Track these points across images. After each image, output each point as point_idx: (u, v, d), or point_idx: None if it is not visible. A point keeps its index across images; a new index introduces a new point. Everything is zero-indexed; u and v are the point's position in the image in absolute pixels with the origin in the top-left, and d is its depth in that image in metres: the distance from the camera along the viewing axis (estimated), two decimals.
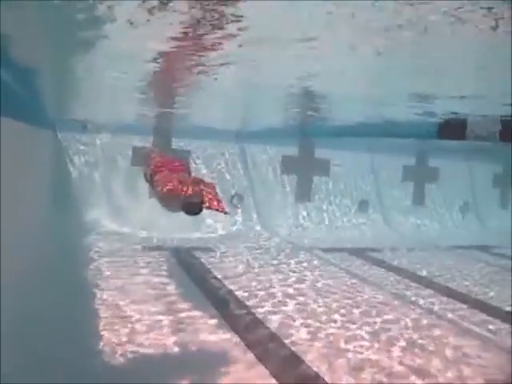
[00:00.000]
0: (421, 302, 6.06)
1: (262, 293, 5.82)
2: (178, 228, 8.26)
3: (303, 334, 4.71)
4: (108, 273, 6.15)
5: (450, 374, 4.09)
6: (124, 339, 4.26)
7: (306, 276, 6.73)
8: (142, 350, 4.10)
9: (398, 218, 10.68)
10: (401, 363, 4.19)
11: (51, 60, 4.54)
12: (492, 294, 6.76)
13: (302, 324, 4.93)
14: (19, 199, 5.84)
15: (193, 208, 4.05)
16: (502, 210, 12.63)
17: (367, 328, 4.93)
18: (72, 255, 6.91)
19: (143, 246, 7.70)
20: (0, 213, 4.52)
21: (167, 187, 4.14)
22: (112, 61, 4.29)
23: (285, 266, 7.19)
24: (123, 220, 8.75)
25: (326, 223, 9.88)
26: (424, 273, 7.53)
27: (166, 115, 8.48)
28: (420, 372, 4.06)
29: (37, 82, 5.58)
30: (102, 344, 4.15)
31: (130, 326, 4.54)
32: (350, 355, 4.26)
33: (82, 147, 8.97)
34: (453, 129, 6.24)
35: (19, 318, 4.21)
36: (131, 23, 2.96)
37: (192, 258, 7.38)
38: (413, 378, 3.96)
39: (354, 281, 6.73)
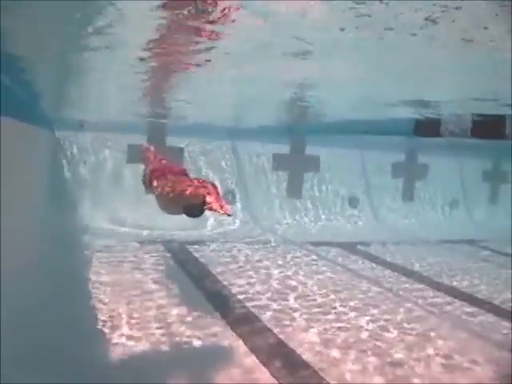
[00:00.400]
0: (393, 286, 6.53)
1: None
2: (172, 225, 8.49)
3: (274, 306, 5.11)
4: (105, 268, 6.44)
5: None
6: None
7: (290, 264, 7.15)
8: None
9: (388, 214, 10.96)
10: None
11: (50, 59, 4.61)
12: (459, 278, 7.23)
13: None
14: (18, 196, 5.89)
15: (194, 210, 3.94)
16: (491, 206, 12.93)
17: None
18: (69, 250, 7.14)
19: (139, 242, 7.97)
20: (0, 210, 4.58)
21: (167, 190, 4.10)
22: (109, 59, 4.34)
23: (273, 256, 7.59)
24: (119, 216, 9.01)
25: (316, 218, 10.15)
26: (405, 264, 7.89)
27: (159, 113, 8.75)
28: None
29: (35, 82, 5.70)
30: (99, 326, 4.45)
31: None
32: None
33: (78, 145, 9.22)
34: (428, 126, 6.53)
35: (18, 311, 4.32)
36: (125, 19, 2.99)
37: (185, 252, 7.66)
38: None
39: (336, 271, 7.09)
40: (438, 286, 6.79)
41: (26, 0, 2.79)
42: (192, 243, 8.13)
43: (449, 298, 6.26)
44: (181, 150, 9.36)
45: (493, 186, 13.11)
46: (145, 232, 8.57)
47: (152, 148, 5.34)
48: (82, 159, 9.25)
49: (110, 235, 8.20)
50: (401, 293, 6.33)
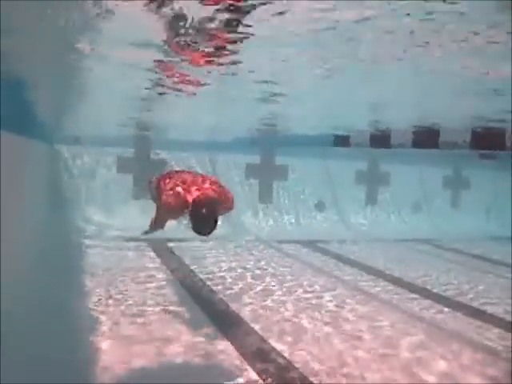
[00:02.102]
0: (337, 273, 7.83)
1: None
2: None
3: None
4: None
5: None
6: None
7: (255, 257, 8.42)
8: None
9: (352, 217, 12.18)
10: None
11: (49, 77, 5.00)
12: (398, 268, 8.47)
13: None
14: (17, 208, 6.03)
15: (205, 222, 3.65)
16: (451, 209, 14.14)
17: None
18: (66, 249, 8.28)
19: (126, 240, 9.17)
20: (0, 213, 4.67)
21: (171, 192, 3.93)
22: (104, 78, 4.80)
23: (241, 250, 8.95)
24: (112, 220, 10.20)
25: (286, 221, 11.41)
26: (355, 258, 9.15)
27: (145, 129, 10.03)
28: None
29: (34, 98, 6.28)
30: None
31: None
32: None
33: (74, 157, 10.47)
34: (426, 138, 6.85)
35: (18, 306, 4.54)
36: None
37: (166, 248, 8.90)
38: None
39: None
40: (377, 274, 8.04)
41: (26, 21, 2.90)
42: (173, 240, 9.33)
43: (382, 283, 7.53)
44: (164, 161, 10.56)
45: (453, 192, 14.35)
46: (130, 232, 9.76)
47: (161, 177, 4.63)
48: (76, 171, 10.47)
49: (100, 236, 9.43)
50: (336, 273, 7.86)
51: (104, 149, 10.52)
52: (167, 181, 4.11)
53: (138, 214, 9.68)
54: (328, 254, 9.40)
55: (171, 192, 3.91)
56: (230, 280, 7.06)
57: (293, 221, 11.51)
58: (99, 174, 10.58)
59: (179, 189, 3.90)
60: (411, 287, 7.35)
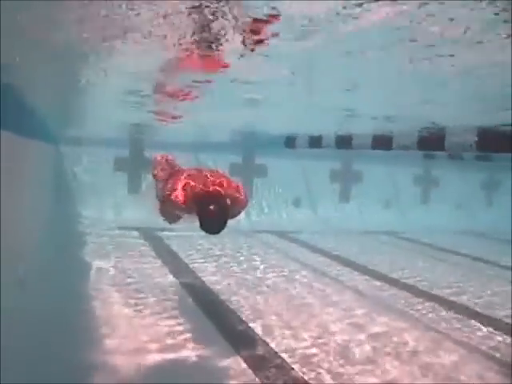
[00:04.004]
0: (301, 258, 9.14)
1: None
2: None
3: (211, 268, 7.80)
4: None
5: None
6: None
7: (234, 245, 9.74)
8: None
9: (325, 211, 13.50)
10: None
11: (50, 81, 5.09)
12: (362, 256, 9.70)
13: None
14: (19, 202, 6.15)
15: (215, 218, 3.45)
16: (421, 205, 15.42)
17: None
18: (68, 238, 9.53)
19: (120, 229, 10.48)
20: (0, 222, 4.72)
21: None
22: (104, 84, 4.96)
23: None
24: (109, 212, 11.49)
25: (265, 215, 12.75)
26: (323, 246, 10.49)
27: (139, 133, 11.29)
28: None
29: (36, 100, 6.45)
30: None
31: None
32: None
33: (75, 157, 11.77)
34: (432, 140, 6.90)
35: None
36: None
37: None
38: None
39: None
40: (340, 261, 9.37)
41: (27, 18, 2.80)
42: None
43: (338, 266, 8.86)
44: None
45: (423, 190, 15.65)
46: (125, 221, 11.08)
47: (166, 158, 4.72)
48: (78, 168, 11.77)
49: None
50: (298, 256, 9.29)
51: (102, 149, 11.81)
52: (174, 178, 3.92)
53: (133, 207, 11.09)
54: (297, 242, 10.75)
55: (177, 190, 3.68)
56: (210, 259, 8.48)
57: (271, 214, 12.82)
58: (98, 172, 11.84)
59: (185, 186, 3.68)
60: (360, 268, 8.69)
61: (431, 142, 7.16)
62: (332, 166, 13.82)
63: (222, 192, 3.58)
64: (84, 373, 4.10)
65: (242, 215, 12.08)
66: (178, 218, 4.19)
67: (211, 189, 3.56)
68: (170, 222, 4.41)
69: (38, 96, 6.10)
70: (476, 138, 6.01)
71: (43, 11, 2.69)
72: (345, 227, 12.66)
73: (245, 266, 8.36)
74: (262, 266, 8.37)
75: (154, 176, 4.57)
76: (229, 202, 3.60)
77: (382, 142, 8.37)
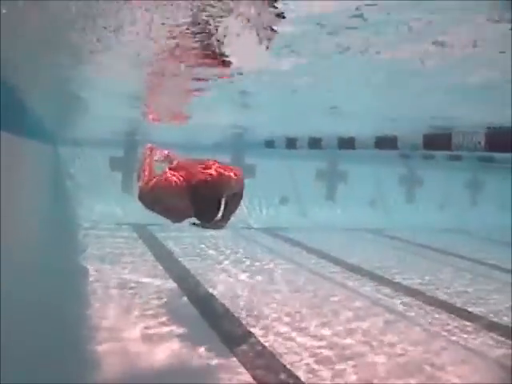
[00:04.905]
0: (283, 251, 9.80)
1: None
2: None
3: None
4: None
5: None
6: None
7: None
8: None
9: (311, 209, 14.09)
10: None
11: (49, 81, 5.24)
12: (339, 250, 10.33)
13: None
14: (19, 202, 6.24)
15: (208, 207, 3.36)
16: (405, 204, 16.02)
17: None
18: (65, 235, 10.11)
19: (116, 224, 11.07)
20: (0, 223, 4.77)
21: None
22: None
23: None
24: (105, 209, 12.07)
25: (253, 212, 13.35)
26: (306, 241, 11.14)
27: (133, 134, 11.88)
28: None
29: (35, 101, 6.61)
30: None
31: None
32: None
33: (72, 157, 12.37)
34: (438, 140, 6.89)
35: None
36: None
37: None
38: None
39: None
40: (314, 252, 10.04)
41: (26, 19, 2.85)
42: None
43: (316, 259, 9.48)
44: None
45: (407, 189, 16.24)
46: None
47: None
48: (75, 167, 12.36)
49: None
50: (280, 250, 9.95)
51: (98, 150, 12.41)
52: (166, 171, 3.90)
53: (127, 204, 11.66)
54: (281, 238, 11.39)
55: (167, 173, 3.72)
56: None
57: (259, 212, 13.44)
58: (94, 171, 12.43)
59: (176, 169, 3.73)
60: (338, 261, 9.32)
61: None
62: (318, 166, 14.44)
63: (214, 173, 3.50)
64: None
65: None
66: (182, 214, 3.99)
67: (203, 171, 3.50)
68: (174, 221, 4.29)
69: (36, 96, 6.25)
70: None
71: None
72: (329, 225, 13.25)
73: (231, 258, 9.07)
74: (243, 257, 9.06)
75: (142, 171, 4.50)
76: (223, 183, 3.48)
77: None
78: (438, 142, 6.89)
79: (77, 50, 3.66)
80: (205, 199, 3.32)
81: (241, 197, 3.96)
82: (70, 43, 3.42)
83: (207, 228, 4.07)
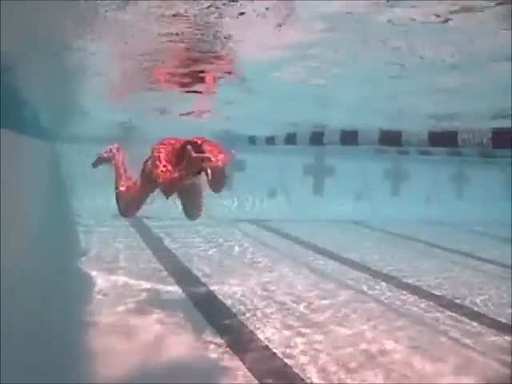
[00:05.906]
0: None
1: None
2: None
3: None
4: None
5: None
6: None
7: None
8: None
9: (299, 203, 14.69)
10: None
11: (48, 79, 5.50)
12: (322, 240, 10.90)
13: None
14: (16, 205, 6.31)
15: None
16: (391, 197, 16.60)
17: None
18: (65, 227, 10.67)
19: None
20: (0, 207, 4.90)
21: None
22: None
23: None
24: (101, 203, 12.60)
25: (243, 205, 13.95)
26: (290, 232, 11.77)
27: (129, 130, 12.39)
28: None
29: (33, 96, 6.74)
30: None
31: None
32: None
33: (70, 154, 12.91)
34: (445, 137, 7.02)
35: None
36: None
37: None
38: None
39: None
40: (297, 241, 10.72)
41: (27, 17, 2.95)
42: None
43: (300, 248, 10.11)
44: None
45: (393, 183, 16.83)
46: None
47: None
48: (72, 164, 12.87)
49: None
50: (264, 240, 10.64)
51: (95, 146, 12.90)
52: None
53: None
54: (269, 229, 12.04)
55: (160, 157, 3.80)
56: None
57: (248, 205, 14.06)
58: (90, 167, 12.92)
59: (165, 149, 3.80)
60: (319, 250, 9.94)
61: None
62: (306, 160, 15.04)
63: (200, 142, 3.59)
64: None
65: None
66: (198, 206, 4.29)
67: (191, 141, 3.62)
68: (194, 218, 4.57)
69: (34, 94, 6.36)
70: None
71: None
72: (316, 217, 13.85)
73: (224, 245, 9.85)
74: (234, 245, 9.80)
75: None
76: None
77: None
78: (444, 138, 7.04)
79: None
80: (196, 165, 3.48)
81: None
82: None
83: (190, 216, 4.57)
